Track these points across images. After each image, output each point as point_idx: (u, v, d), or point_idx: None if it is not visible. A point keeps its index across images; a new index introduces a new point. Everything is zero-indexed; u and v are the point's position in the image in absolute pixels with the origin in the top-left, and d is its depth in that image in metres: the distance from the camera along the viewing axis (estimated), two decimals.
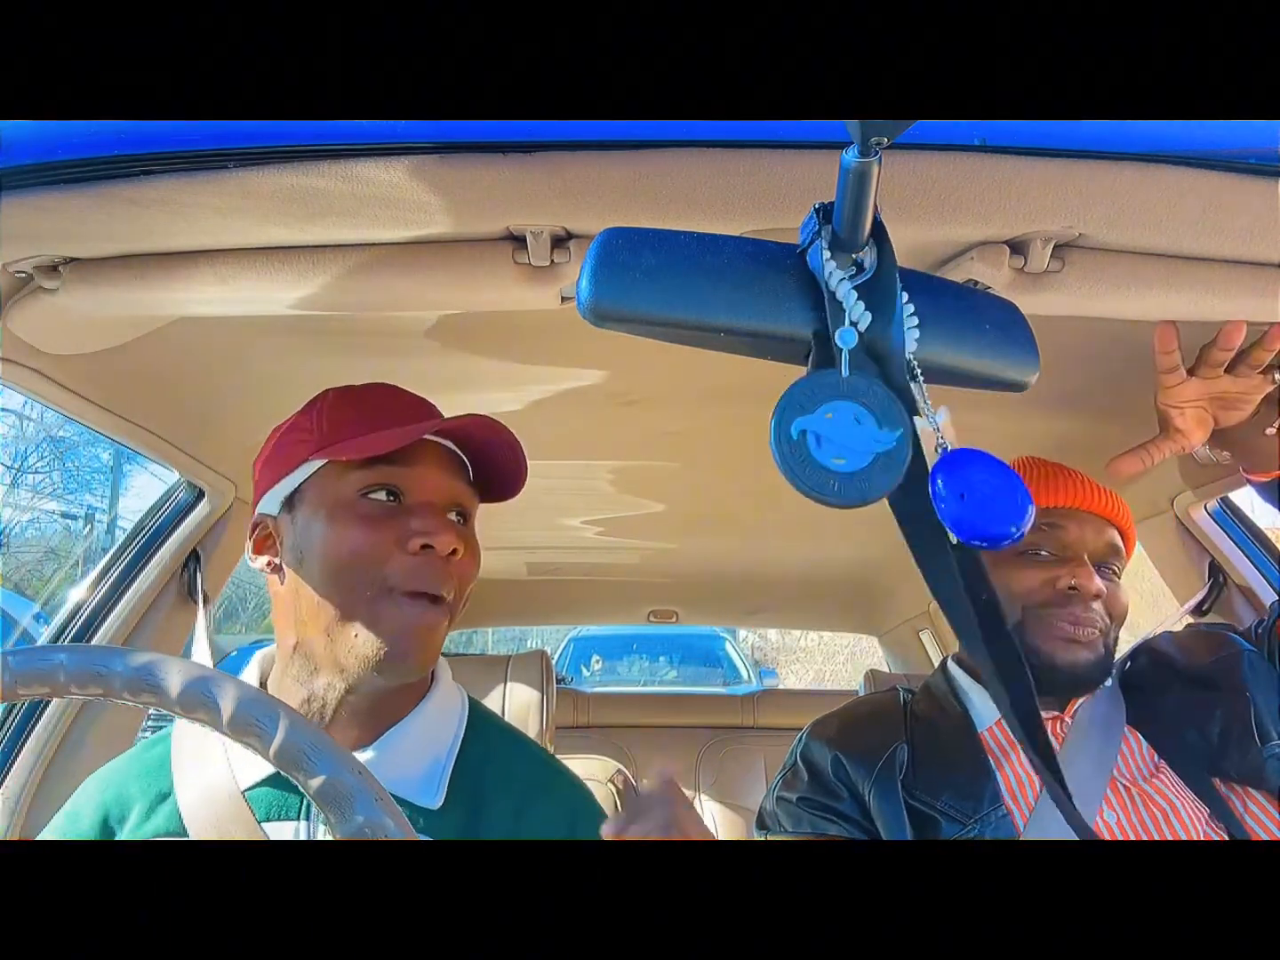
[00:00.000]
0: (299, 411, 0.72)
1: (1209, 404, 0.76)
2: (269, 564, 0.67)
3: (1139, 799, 0.79)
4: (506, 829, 0.64)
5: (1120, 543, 0.89)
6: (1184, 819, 0.77)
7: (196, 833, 0.61)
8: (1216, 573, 1.17)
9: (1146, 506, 1.22)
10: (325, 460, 0.65)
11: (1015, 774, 0.83)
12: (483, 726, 0.72)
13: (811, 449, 0.39)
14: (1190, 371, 0.74)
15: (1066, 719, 0.85)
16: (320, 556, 0.63)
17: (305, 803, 0.63)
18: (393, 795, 0.61)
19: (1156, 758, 0.83)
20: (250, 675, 0.70)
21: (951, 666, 0.96)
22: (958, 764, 0.84)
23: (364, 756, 0.64)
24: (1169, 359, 0.72)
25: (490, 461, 0.71)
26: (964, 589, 0.41)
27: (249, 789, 0.63)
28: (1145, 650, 0.94)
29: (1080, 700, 0.86)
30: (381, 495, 0.64)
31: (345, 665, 0.62)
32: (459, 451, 0.70)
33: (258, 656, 0.73)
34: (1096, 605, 0.83)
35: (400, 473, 0.64)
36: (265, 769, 0.63)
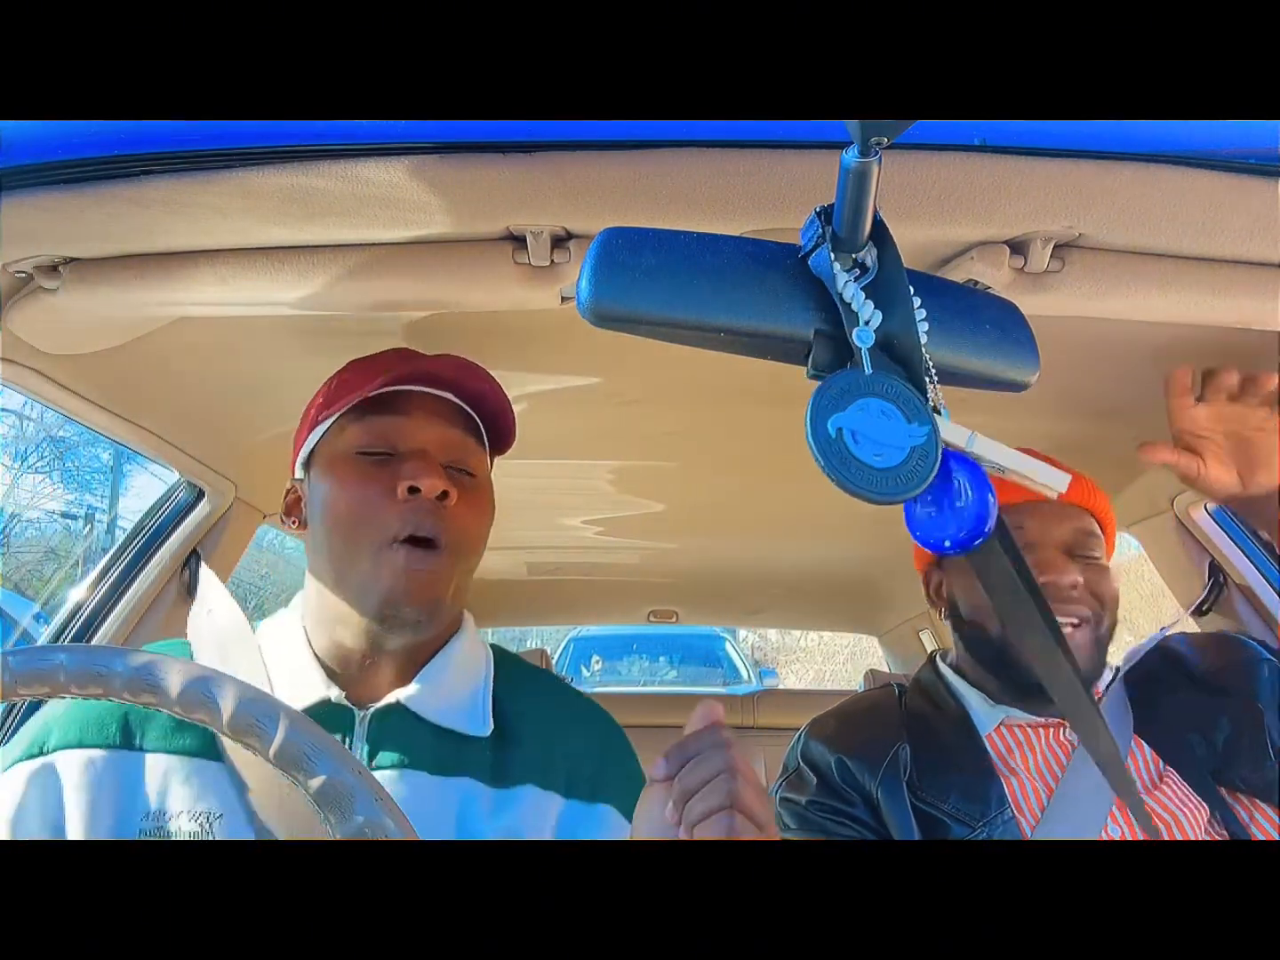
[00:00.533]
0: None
1: (1222, 436, 0.75)
2: (295, 521, 0.71)
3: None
4: (541, 757, 0.67)
5: (1094, 526, 0.87)
6: (1188, 832, 0.75)
7: (236, 753, 0.61)
8: (1216, 573, 1.17)
9: (1146, 506, 1.22)
10: (332, 420, 0.68)
11: (1022, 780, 0.81)
12: (509, 664, 0.75)
13: (850, 446, 0.39)
14: (1199, 398, 0.74)
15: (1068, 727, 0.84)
16: (323, 514, 0.66)
17: (360, 716, 0.65)
18: (445, 728, 0.65)
19: (1162, 765, 0.81)
20: (294, 632, 0.70)
21: (942, 667, 0.94)
22: (962, 767, 0.82)
23: (408, 692, 0.66)
24: (1181, 397, 0.72)
25: (488, 411, 0.73)
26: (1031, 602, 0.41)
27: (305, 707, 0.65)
28: (1153, 652, 0.92)
29: None
30: (377, 451, 0.67)
31: (356, 614, 0.65)
32: (465, 406, 0.72)
33: (297, 608, 0.73)
34: (1075, 595, 0.81)
35: (393, 425, 0.67)
36: (311, 700, 0.65)
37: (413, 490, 0.64)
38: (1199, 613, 1.18)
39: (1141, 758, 0.82)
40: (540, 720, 0.69)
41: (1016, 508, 0.85)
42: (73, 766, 0.61)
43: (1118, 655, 0.91)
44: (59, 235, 0.61)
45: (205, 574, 0.83)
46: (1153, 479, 1.18)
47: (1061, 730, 0.84)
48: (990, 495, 0.41)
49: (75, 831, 0.59)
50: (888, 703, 0.94)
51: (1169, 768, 0.81)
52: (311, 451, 0.71)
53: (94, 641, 1.12)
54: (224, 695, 0.42)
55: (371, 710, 0.65)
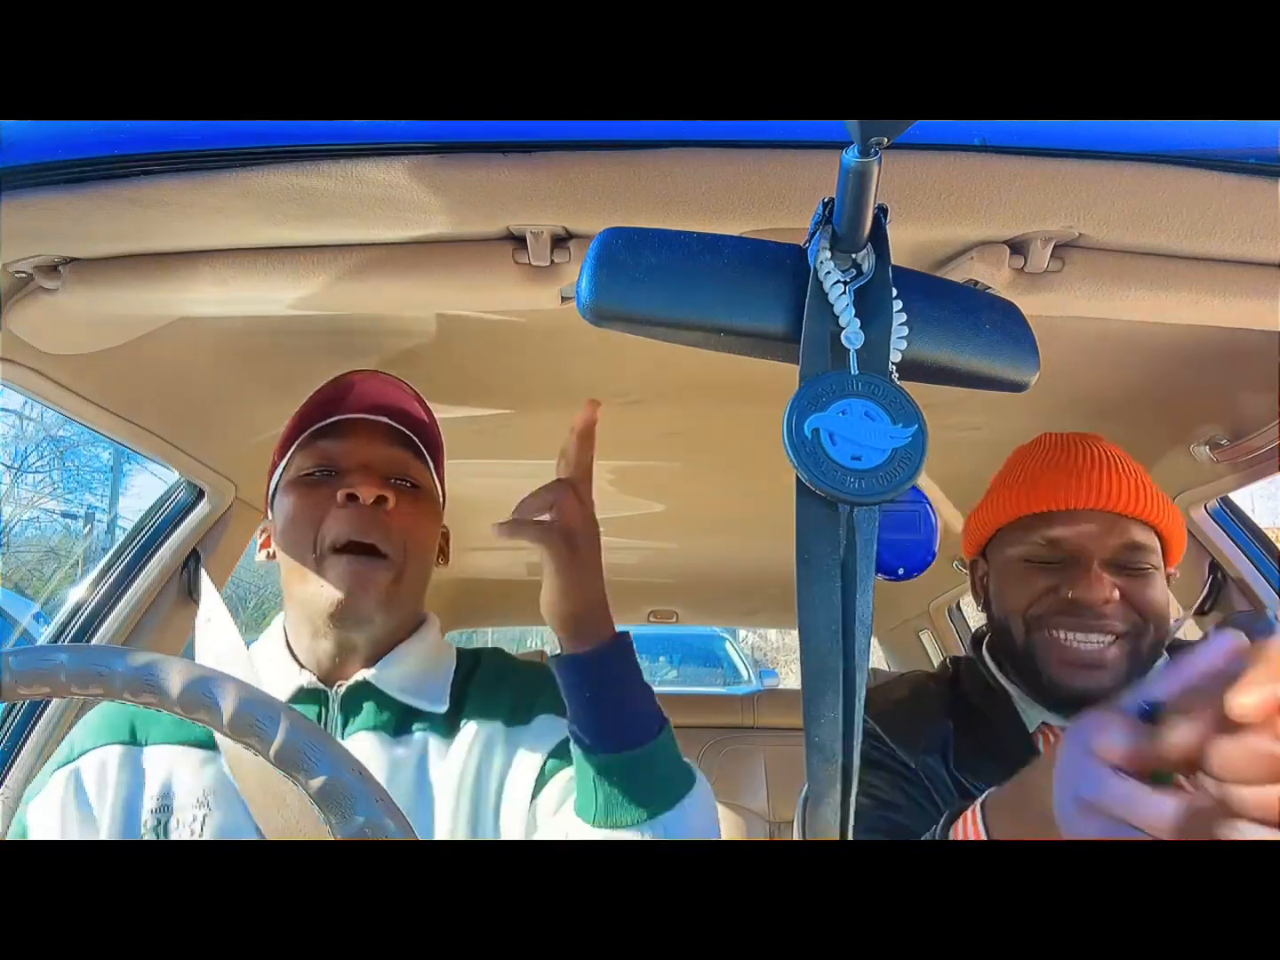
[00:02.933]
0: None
1: None
2: (269, 555, 0.77)
3: None
4: (506, 722, 0.71)
5: (1145, 535, 0.81)
6: None
7: (224, 742, 0.67)
8: (1216, 572, 1.17)
9: None
10: (285, 459, 0.75)
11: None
12: (476, 652, 0.80)
13: (826, 446, 0.39)
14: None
15: None
16: (279, 534, 0.73)
17: (332, 704, 0.72)
18: (403, 703, 0.71)
19: None
20: (275, 633, 0.77)
21: (986, 654, 0.89)
22: (1010, 759, 0.76)
23: (373, 671, 0.72)
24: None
25: (413, 425, 0.78)
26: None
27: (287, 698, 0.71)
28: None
29: None
30: (320, 470, 0.73)
31: (313, 620, 0.71)
32: (399, 426, 0.77)
33: (280, 617, 0.80)
34: (1110, 610, 0.77)
35: (334, 448, 0.73)
36: (290, 688, 0.71)
37: (350, 497, 0.69)
38: (1200, 612, 1.18)
39: None
40: (505, 691, 0.74)
41: (1050, 516, 0.81)
42: (93, 766, 0.68)
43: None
44: (59, 235, 0.61)
45: (206, 585, 0.86)
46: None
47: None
48: (936, 520, 0.41)
49: (103, 824, 0.66)
50: (932, 685, 0.90)
51: None
52: (274, 490, 0.77)
53: (94, 641, 1.11)
54: (224, 695, 0.42)
55: (343, 687, 0.72)
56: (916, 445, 0.40)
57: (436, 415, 0.81)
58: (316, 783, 0.41)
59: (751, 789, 2.29)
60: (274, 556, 0.75)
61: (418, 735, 0.71)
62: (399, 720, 0.71)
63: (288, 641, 0.75)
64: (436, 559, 0.79)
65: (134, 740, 0.70)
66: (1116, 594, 0.77)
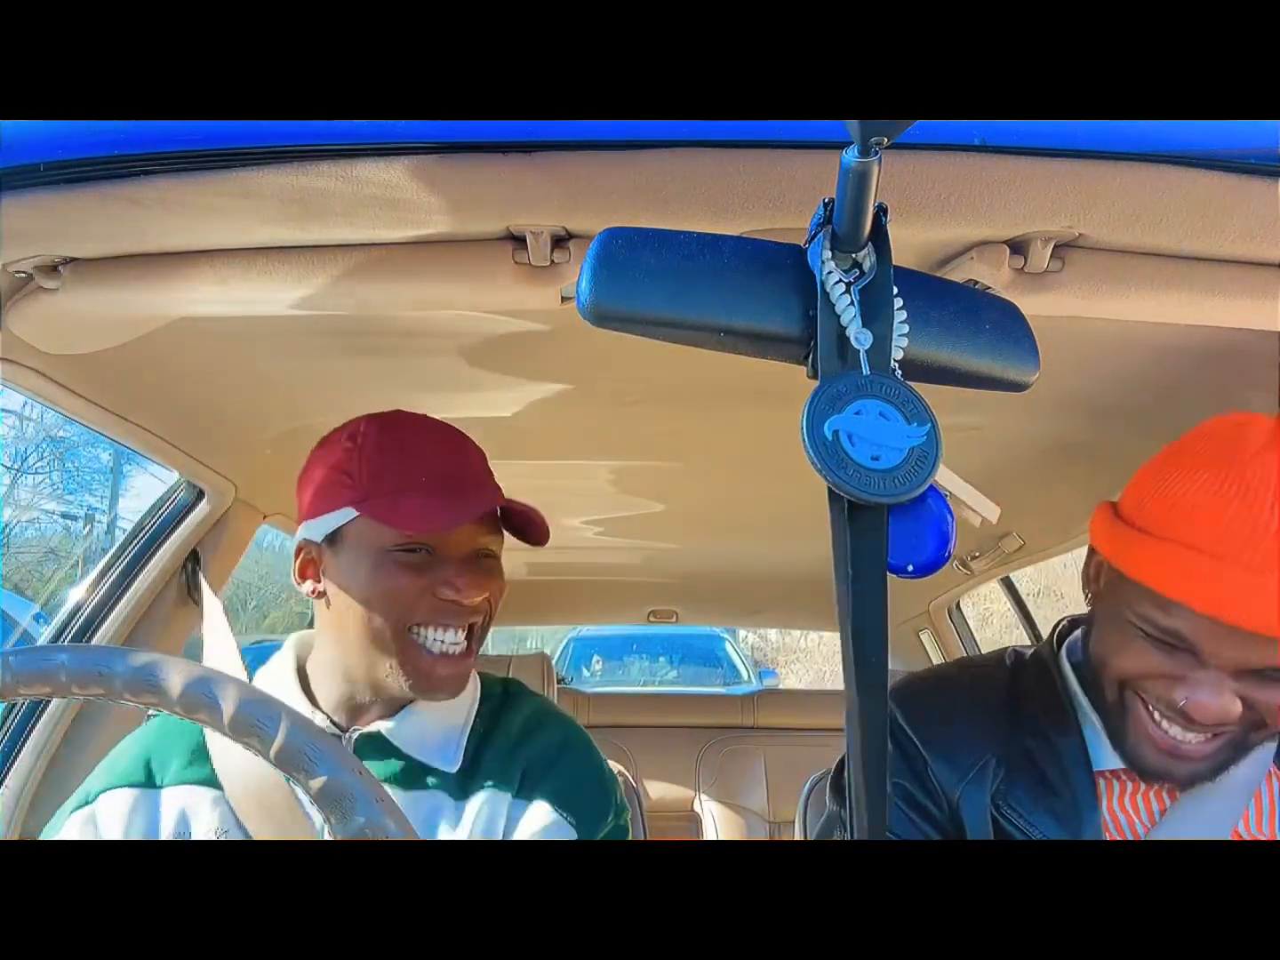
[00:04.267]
0: (340, 439, 0.74)
1: None
2: (314, 590, 0.73)
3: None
4: (515, 795, 0.71)
5: None
6: None
7: (226, 781, 0.69)
8: None
9: None
10: (358, 504, 0.70)
11: (1121, 824, 0.70)
12: (504, 694, 0.79)
13: (846, 447, 0.39)
14: None
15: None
16: (362, 599, 0.69)
17: None
18: (418, 761, 0.70)
19: None
20: (285, 663, 0.76)
21: (1067, 668, 0.77)
22: (1062, 792, 0.70)
23: (389, 725, 0.71)
24: None
25: (520, 518, 0.75)
26: None
27: None
28: None
29: None
30: (417, 552, 0.70)
31: (385, 686, 0.70)
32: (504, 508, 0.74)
33: (294, 640, 0.79)
34: (1226, 718, 0.62)
35: (435, 531, 0.70)
36: None
37: (452, 602, 0.69)
38: None
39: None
40: (506, 737, 0.74)
41: (1190, 613, 0.61)
42: (109, 807, 0.69)
43: None
44: (59, 235, 0.61)
45: (209, 596, 0.86)
46: None
47: (1163, 794, 0.71)
48: (953, 519, 0.41)
49: None
50: (993, 688, 0.78)
51: None
52: (339, 529, 0.71)
53: (94, 642, 1.11)
54: (225, 696, 0.42)
55: (357, 733, 0.71)
56: (932, 443, 0.40)
57: (436, 415, 0.81)
58: (317, 783, 0.41)
59: (751, 789, 2.29)
60: (323, 596, 0.73)
61: (429, 791, 0.70)
62: (412, 774, 0.70)
63: (305, 683, 0.75)
64: None
65: (150, 783, 0.70)
66: (1238, 707, 0.62)
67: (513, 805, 0.70)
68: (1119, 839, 0.70)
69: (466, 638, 0.71)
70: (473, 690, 0.77)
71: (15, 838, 1.01)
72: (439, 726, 0.73)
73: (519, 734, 0.74)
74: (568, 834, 0.68)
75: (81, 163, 0.53)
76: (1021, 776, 0.72)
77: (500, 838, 0.69)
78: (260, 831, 0.67)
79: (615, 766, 1.14)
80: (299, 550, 0.74)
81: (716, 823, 2.24)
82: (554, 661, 2.45)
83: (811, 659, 10.90)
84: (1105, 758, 0.71)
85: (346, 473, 0.71)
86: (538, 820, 0.69)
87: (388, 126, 0.51)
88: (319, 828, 0.68)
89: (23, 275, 0.66)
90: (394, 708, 0.73)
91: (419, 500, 0.69)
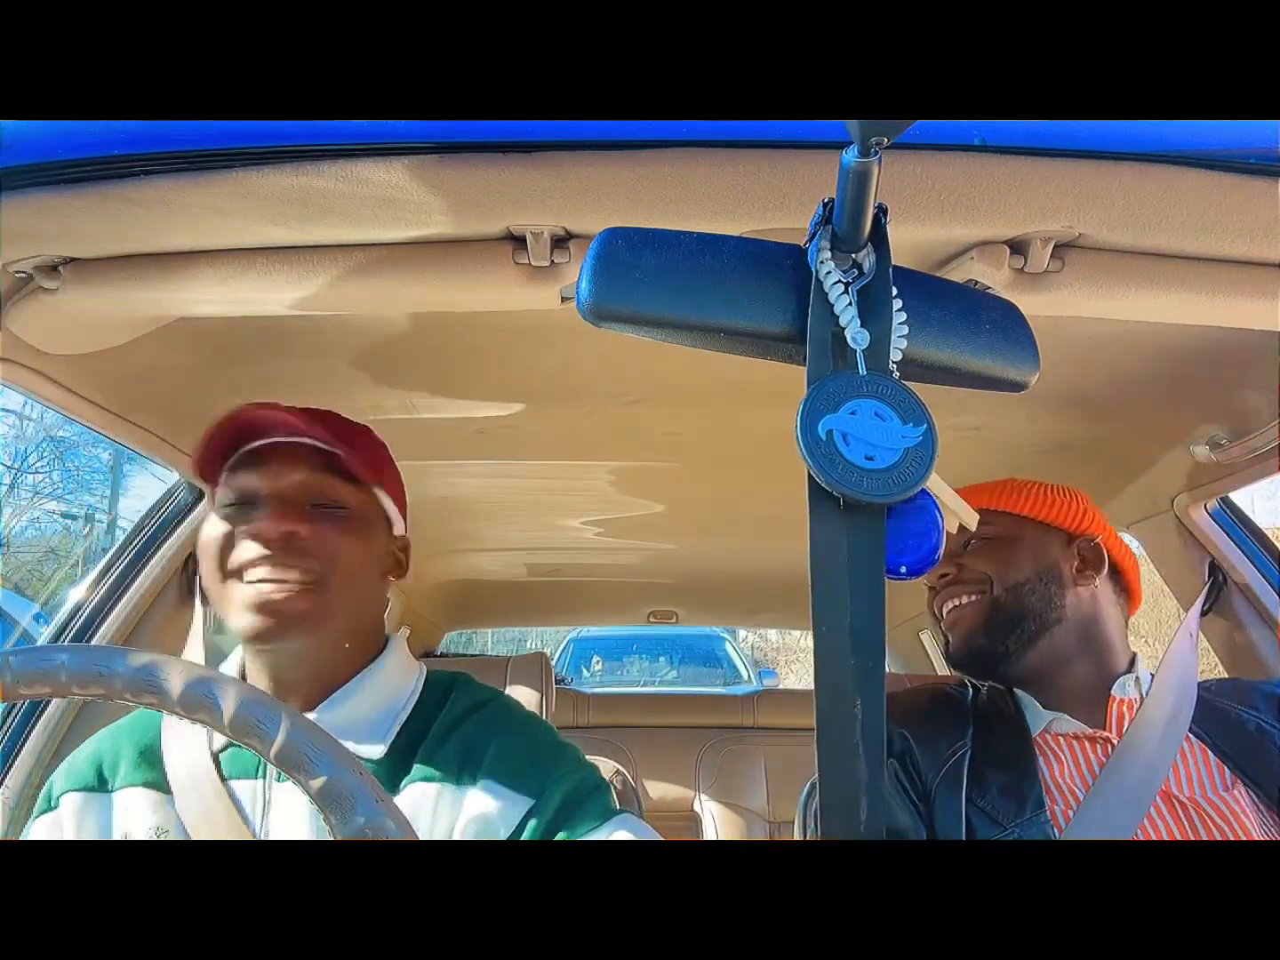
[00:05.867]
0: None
1: None
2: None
3: (1196, 816, 0.76)
4: (441, 754, 0.70)
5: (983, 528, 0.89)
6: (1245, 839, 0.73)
7: (175, 785, 0.71)
8: (1216, 572, 1.17)
9: (1146, 506, 1.22)
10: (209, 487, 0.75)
11: (1059, 781, 0.81)
12: (450, 683, 0.78)
13: (840, 447, 0.39)
14: None
15: (1111, 738, 0.83)
16: (200, 564, 0.73)
17: (263, 762, 0.70)
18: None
19: (1229, 774, 0.79)
20: (232, 665, 0.78)
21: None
22: (1010, 765, 0.83)
23: (312, 715, 0.71)
24: None
25: (345, 447, 0.73)
26: None
27: (220, 749, 0.72)
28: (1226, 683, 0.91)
29: (1131, 718, 0.84)
30: (239, 503, 0.72)
31: (245, 647, 0.73)
32: (323, 446, 0.73)
33: (239, 649, 0.80)
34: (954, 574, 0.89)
35: (247, 480, 0.72)
36: None
37: (257, 536, 0.69)
38: (1199, 613, 1.18)
39: (1202, 763, 0.81)
40: (445, 728, 0.73)
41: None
42: (69, 811, 0.72)
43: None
44: (59, 235, 0.61)
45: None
46: (1153, 479, 1.18)
47: (1099, 745, 0.83)
48: (943, 521, 0.42)
49: None
50: (957, 700, 0.94)
51: (1237, 776, 0.79)
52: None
53: (94, 642, 1.11)
54: (225, 696, 0.42)
55: None
56: (927, 444, 0.40)
57: (436, 415, 0.81)
58: (317, 783, 0.41)
59: (751, 789, 2.29)
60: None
61: None
62: None
63: (244, 668, 0.76)
64: (390, 573, 0.78)
65: (101, 785, 0.73)
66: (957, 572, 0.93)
67: (453, 797, 0.68)
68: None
69: (285, 580, 0.70)
70: (411, 679, 0.77)
71: (16, 838, 1.01)
72: (367, 712, 0.73)
73: (455, 720, 0.73)
74: (522, 807, 0.66)
75: (81, 163, 0.53)
76: (981, 760, 0.84)
77: (435, 823, 0.67)
78: (197, 830, 0.68)
79: (615, 766, 1.14)
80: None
81: (716, 823, 2.24)
82: (554, 662, 2.45)
83: (811, 659, 10.88)
84: (1036, 720, 0.86)
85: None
86: (483, 800, 0.68)
87: (388, 126, 0.51)
88: (258, 831, 0.68)
89: (23, 275, 0.66)
90: (313, 692, 0.73)
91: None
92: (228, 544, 0.71)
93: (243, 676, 0.75)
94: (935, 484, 0.42)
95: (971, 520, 0.46)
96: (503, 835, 0.66)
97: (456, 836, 0.66)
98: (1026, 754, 0.83)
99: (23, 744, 1.05)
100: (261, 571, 0.69)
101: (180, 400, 0.99)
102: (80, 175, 0.54)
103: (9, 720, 1.06)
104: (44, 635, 1.30)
